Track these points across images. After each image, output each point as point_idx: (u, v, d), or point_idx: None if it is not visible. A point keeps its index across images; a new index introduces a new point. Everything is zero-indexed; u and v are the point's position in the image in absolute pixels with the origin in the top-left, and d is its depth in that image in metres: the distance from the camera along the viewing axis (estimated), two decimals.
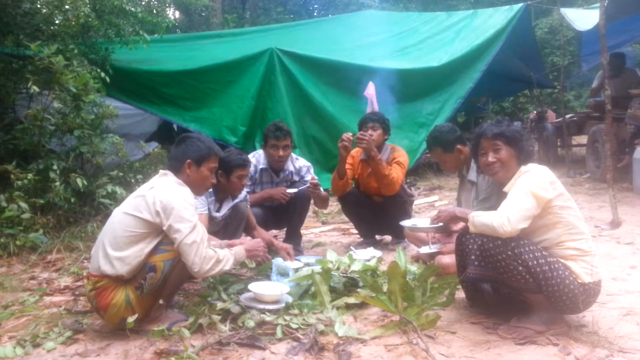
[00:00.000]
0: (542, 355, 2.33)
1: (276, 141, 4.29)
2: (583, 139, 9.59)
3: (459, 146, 3.64)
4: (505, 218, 2.36)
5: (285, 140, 4.32)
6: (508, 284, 2.52)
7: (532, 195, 2.41)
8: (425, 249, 3.78)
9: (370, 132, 4.35)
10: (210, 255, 2.65)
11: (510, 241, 2.39)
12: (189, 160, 2.83)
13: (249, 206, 4.09)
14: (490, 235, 2.44)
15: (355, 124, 4.73)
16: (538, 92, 13.42)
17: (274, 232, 5.28)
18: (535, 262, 2.36)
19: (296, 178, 4.54)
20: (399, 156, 4.45)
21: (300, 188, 4.36)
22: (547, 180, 2.48)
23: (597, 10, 6.04)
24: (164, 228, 2.60)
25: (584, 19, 8.85)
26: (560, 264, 2.41)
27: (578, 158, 10.00)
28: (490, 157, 2.70)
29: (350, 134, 4.23)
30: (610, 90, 5.50)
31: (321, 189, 4.36)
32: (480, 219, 2.46)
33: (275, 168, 4.45)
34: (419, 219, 3.76)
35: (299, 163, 4.57)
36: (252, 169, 4.34)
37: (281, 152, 4.33)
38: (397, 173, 4.29)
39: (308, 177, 4.47)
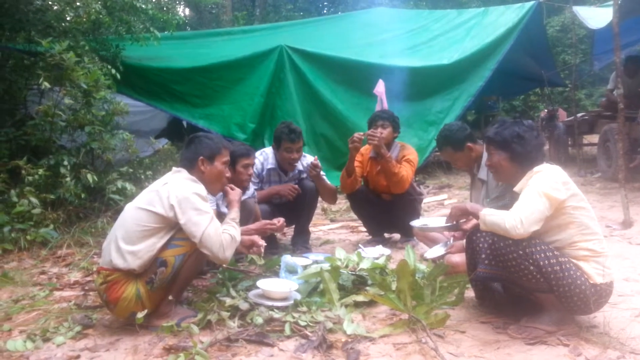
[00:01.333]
0: (553, 355, 2.31)
1: (291, 144, 4.26)
2: (594, 138, 9.51)
3: (469, 144, 3.61)
4: (518, 220, 2.34)
5: (299, 143, 4.31)
6: (519, 284, 2.50)
7: (545, 197, 2.38)
8: (431, 253, 3.74)
9: (380, 130, 4.34)
10: (228, 240, 2.72)
11: (522, 240, 2.37)
12: (201, 157, 2.87)
13: (256, 202, 4.09)
14: (501, 234, 2.43)
15: (365, 122, 4.72)
16: (549, 90, 13.33)
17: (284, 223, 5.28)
18: (546, 261, 2.35)
19: (304, 176, 4.53)
20: (408, 154, 4.43)
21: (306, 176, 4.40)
22: (560, 181, 2.45)
23: (610, 9, 5.99)
24: (181, 222, 2.61)
25: (597, 17, 8.77)
26: (571, 264, 2.39)
27: (589, 157, 9.92)
28: (487, 162, 2.81)
29: (362, 133, 4.22)
30: (624, 90, 5.44)
31: (325, 176, 4.36)
32: (492, 218, 2.44)
33: (285, 169, 4.44)
34: (429, 219, 3.74)
35: (306, 160, 4.55)
36: (259, 166, 4.34)
37: (295, 155, 4.32)
38: (406, 171, 4.27)
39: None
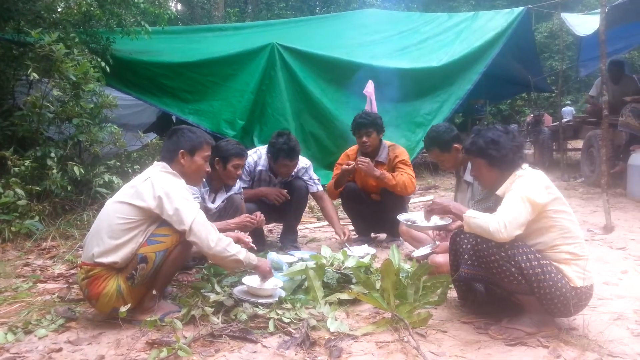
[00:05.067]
0: (532, 357, 2.34)
1: (289, 162, 4.24)
2: (578, 144, 9.64)
3: (456, 145, 3.64)
4: (502, 224, 2.36)
5: (296, 159, 4.29)
6: (500, 285, 2.53)
7: (527, 202, 2.41)
8: (418, 252, 3.79)
9: (364, 138, 4.37)
10: (223, 236, 2.71)
11: (504, 242, 2.40)
12: (182, 150, 2.88)
13: (243, 199, 4.10)
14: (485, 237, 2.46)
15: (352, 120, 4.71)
16: (535, 95, 13.47)
17: (270, 225, 5.29)
18: (528, 264, 2.38)
19: (293, 177, 4.51)
20: (400, 154, 4.45)
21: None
22: (542, 185, 2.49)
23: (597, 16, 6.07)
24: (169, 212, 2.62)
25: (584, 24, 8.88)
26: (553, 267, 2.43)
27: (573, 162, 10.06)
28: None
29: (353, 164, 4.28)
30: (608, 96, 5.51)
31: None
32: (476, 221, 2.46)
33: (277, 174, 4.44)
34: (416, 214, 3.74)
35: (300, 164, 4.51)
36: (251, 165, 4.35)
37: (291, 170, 4.33)
38: (407, 174, 4.30)
39: (306, 178, 4.47)
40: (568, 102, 18.11)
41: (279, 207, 4.38)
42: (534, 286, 2.40)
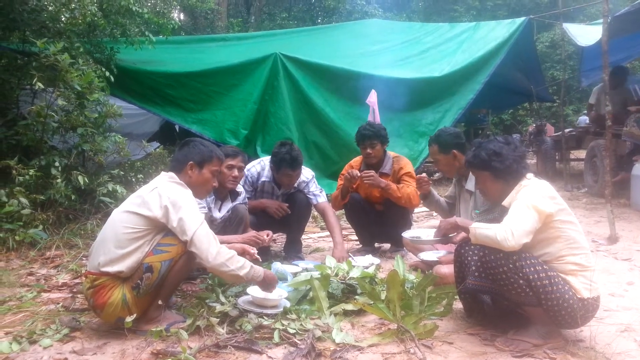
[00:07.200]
0: None
1: (292, 172, 4.20)
2: (581, 154, 9.64)
3: (455, 151, 3.66)
4: (509, 232, 2.37)
5: (299, 169, 4.25)
6: (507, 297, 2.53)
7: (534, 210, 2.42)
8: (425, 255, 3.81)
9: (368, 150, 4.38)
10: (226, 250, 2.69)
11: (512, 254, 2.40)
12: (191, 162, 2.89)
13: (247, 209, 4.09)
14: (492, 247, 2.45)
15: (356, 131, 4.73)
16: (537, 105, 13.49)
17: (274, 236, 5.27)
18: (535, 275, 2.38)
19: (295, 189, 4.50)
20: (405, 166, 4.46)
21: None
22: (547, 195, 2.49)
23: (599, 27, 6.10)
24: (174, 222, 2.62)
25: (586, 34, 8.92)
26: (560, 278, 2.42)
27: (576, 172, 10.05)
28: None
29: (358, 173, 4.28)
30: (609, 105, 5.51)
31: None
32: (483, 231, 2.47)
33: (280, 185, 4.41)
34: (420, 230, 3.78)
35: (301, 177, 4.46)
36: (255, 175, 4.34)
37: (294, 179, 4.29)
38: (412, 188, 4.28)
39: (312, 188, 4.44)
40: (584, 111, 18.11)
41: (280, 219, 4.36)
42: (541, 298, 2.39)
